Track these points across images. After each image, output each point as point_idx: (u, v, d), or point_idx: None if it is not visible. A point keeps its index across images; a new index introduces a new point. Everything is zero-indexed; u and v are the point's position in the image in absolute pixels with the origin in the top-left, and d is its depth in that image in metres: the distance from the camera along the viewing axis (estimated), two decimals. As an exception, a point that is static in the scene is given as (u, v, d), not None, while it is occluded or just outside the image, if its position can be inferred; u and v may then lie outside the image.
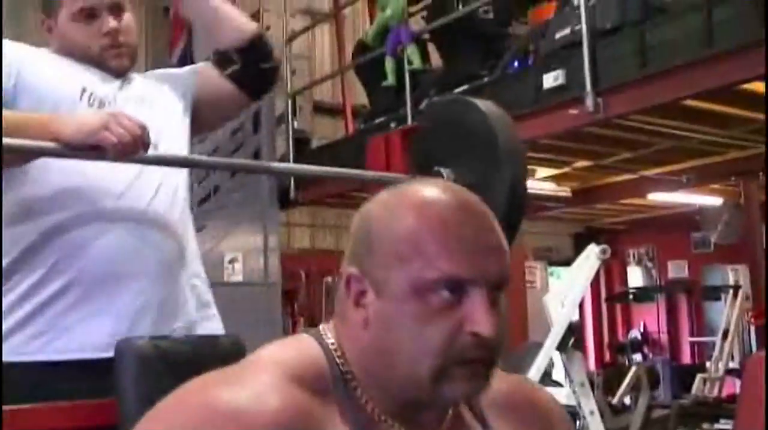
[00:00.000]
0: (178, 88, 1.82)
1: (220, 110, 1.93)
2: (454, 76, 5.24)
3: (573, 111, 4.22)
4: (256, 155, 6.36)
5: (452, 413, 0.91)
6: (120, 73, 1.72)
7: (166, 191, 1.66)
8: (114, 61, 1.71)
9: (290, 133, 6.64)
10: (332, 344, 0.89)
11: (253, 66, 1.83)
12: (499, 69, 5.04)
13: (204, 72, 1.87)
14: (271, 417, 0.78)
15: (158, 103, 1.75)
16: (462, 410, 0.93)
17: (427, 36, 5.87)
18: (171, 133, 1.74)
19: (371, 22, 6.63)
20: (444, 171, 1.67)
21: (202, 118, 1.87)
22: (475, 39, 5.25)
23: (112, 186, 1.59)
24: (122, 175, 1.59)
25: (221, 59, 1.84)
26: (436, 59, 6.00)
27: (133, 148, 1.46)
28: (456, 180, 1.61)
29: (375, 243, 0.86)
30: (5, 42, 1.61)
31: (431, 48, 5.99)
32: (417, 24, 6.04)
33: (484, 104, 1.65)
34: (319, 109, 8.00)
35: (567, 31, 4.41)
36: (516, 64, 5.07)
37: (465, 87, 5.01)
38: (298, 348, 0.89)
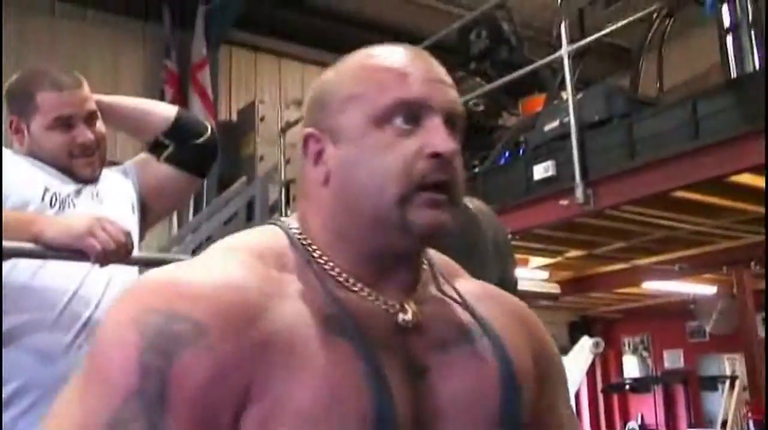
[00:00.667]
0: (126, 184, 1.84)
1: (168, 196, 1.92)
2: (446, 167, 5.28)
3: (563, 202, 4.24)
4: (250, 243, 6.34)
5: (423, 286, 0.89)
6: (88, 181, 1.73)
7: (114, 288, 1.65)
8: (83, 170, 1.72)
9: (283, 221, 6.66)
10: (295, 226, 0.89)
11: (185, 145, 1.84)
12: (490, 160, 5.10)
13: (142, 162, 1.89)
14: (236, 293, 0.77)
15: (111, 200, 1.76)
16: (438, 292, 0.92)
17: (418, 127, 5.94)
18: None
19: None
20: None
21: (153, 206, 1.87)
22: (465, 131, 5.32)
23: (64, 284, 1.58)
24: (74, 272, 1.58)
25: (155, 146, 1.86)
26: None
27: (116, 254, 1.46)
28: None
29: (327, 97, 0.88)
30: None
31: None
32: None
33: (471, 202, 1.65)
34: (313, 197, 8.03)
35: (556, 123, 4.49)
36: (507, 155, 5.13)
37: (457, 178, 5.05)
38: (259, 233, 0.89)
